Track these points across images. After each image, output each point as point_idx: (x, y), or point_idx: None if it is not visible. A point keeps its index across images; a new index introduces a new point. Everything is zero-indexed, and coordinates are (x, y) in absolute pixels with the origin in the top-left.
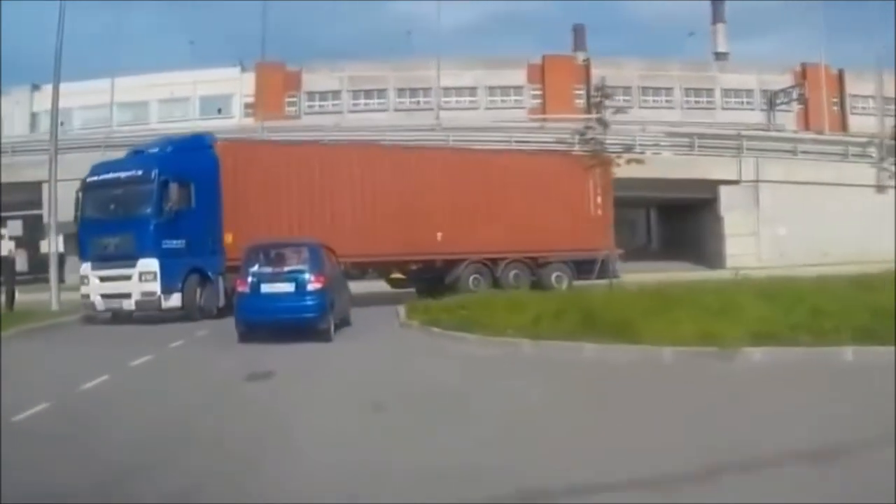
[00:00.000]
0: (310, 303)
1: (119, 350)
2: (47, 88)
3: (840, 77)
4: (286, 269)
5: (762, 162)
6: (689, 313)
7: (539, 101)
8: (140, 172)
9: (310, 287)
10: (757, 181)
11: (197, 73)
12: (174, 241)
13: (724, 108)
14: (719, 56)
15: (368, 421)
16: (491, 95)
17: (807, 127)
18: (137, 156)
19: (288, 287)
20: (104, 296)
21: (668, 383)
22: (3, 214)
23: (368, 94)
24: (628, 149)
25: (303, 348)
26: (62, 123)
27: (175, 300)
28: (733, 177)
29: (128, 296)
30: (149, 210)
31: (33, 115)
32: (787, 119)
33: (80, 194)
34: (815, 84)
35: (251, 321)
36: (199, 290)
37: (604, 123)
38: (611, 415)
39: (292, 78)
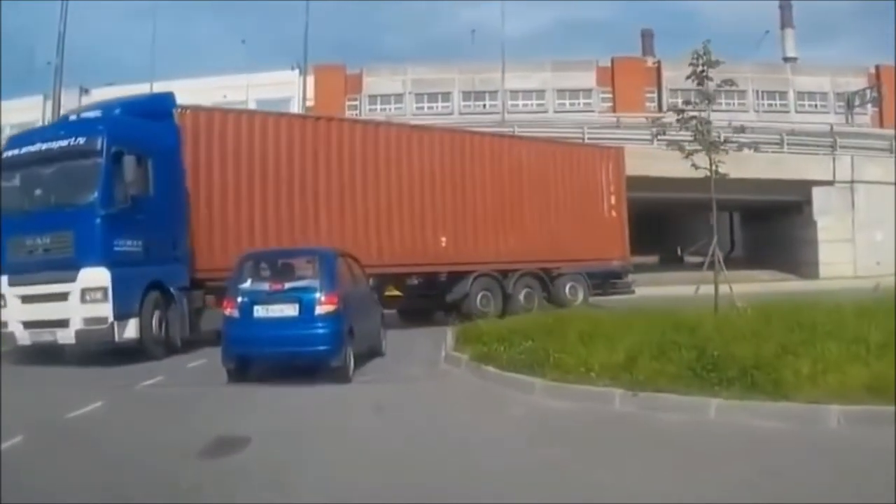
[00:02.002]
0: (319, 331)
1: (67, 391)
2: (96, 92)
3: None
4: (287, 285)
5: (857, 161)
6: (842, 348)
7: (609, 104)
8: (82, 141)
9: (319, 310)
10: (852, 181)
11: (252, 77)
12: (130, 243)
13: (797, 111)
14: (789, 61)
15: None
16: (559, 98)
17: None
18: (73, 121)
19: (290, 310)
20: (28, 324)
21: (859, 474)
22: None
23: (432, 97)
24: (739, 130)
25: (306, 394)
26: None
27: (132, 329)
28: (827, 177)
29: (64, 323)
30: (95, 195)
31: None
32: (863, 121)
33: None
34: (892, 85)
35: (241, 355)
36: (159, 315)
37: (708, 97)
38: None
39: (353, 81)
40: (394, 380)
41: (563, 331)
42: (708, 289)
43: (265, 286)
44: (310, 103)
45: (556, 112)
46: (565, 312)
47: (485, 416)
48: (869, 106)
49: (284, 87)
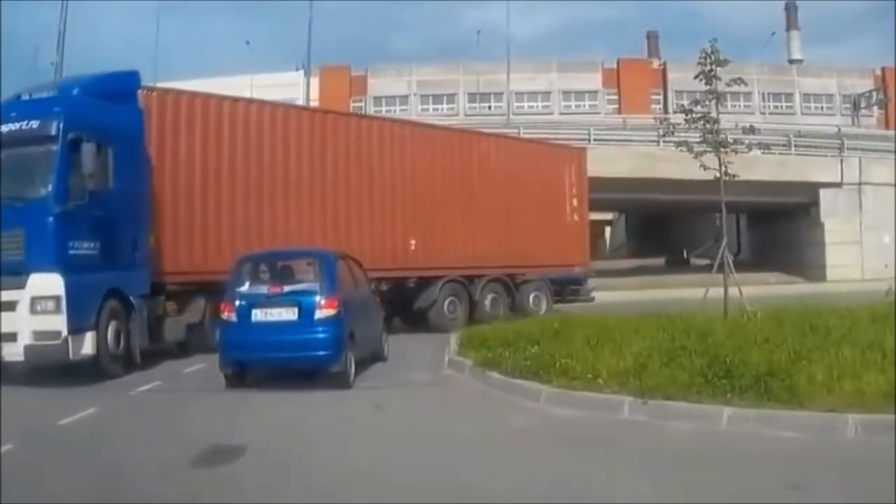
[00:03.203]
0: (319, 336)
1: (59, 396)
2: None
3: None
4: (286, 289)
5: (865, 163)
6: (858, 354)
7: (615, 105)
8: (34, 125)
9: (319, 314)
10: (860, 183)
11: (256, 78)
12: (86, 245)
13: (803, 113)
14: (794, 62)
15: None
16: (565, 100)
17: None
18: (24, 101)
19: (289, 314)
20: None
21: (878, 486)
22: None
23: (437, 98)
24: (749, 131)
25: (306, 400)
26: None
27: (88, 345)
28: (835, 179)
29: (11, 337)
30: (48, 189)
31: None
32: (869, 123)
33: None
34: None
35: (239, 360)
36: (116, 326)
37: (717, 96)
38: None
39: (358, 82)
40: (396, 385)
41: (569, 335)
42: (715, 291)
43: (264, 289)
44: (314, 104)
45: (561, 113)
46: (572, 317)
47: (489, 424)
48: (875, 108)
49: (289, 89)
